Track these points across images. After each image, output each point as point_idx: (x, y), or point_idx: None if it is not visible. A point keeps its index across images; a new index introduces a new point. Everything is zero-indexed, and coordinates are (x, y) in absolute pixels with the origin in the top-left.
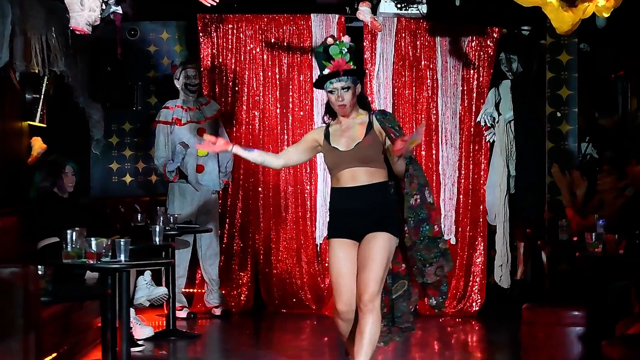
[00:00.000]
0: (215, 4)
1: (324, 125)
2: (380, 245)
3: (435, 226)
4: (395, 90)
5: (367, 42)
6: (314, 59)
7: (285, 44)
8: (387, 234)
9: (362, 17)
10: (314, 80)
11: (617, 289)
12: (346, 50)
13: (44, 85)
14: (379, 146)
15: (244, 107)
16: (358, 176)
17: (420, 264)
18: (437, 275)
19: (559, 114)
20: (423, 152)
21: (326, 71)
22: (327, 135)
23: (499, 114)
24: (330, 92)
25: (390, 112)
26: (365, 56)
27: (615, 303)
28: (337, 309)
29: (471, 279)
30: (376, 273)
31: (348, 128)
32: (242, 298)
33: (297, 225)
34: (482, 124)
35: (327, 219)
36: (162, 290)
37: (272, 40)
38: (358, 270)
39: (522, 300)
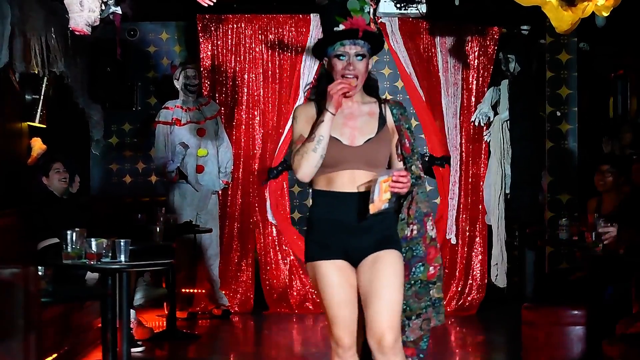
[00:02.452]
0: (212, 3)
1: (311, 101)
2: (392, 266)
3: (432, 267)
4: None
5: None
6: (321, 17)
7: (285, 43)
8: (397, 252)
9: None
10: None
11: (616, 289)
12: (368, 9)
13: (44, 85)
14: (388, 148)
15: (244, 108)
16: (359, 181)
17: (405, 316)
18: (422, 329)
19: (558, 114)
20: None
21: (340, 27)
22: (318, 118)
23: (496, 114)
24: (339, 56)
25: (404, 106)
26: None
27: (614, 303)
28: (341, 344)
29: (470, 278)
30: (394, 303)
31: (353, 115)
32: (242, 298)
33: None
34: (477, 123)
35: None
36: (162, 291)
37: (272, 40)
38: (366, 304)
39: (517, 299)
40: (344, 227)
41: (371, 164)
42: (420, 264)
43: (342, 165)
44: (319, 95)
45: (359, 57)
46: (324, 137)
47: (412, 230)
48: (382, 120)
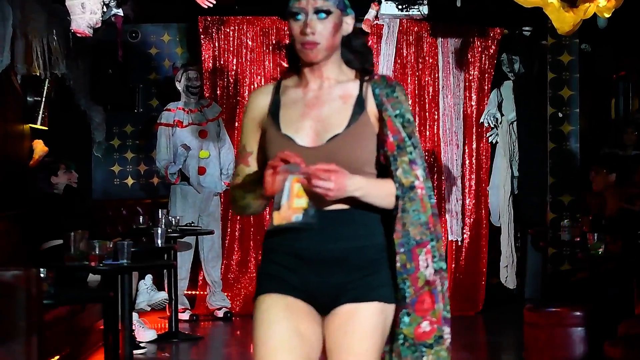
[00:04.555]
0: (212, 5)
1: (272, 83)
2: (367, 328)
3: (424, 323)
4: None
5: (372, 44)
6: None
7: (286, 45)
8: (378, 305)
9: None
10: None
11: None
12: None
13: (45, 88)
14: (371, 144)
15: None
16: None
17: None
18: None
19: (560, 115)
20: (427, 157)
21: None
22: (275, 106)
23: (502, 115)
24: (294, 15)
25: (400, 85)
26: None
27: (617, 304)
28: None
29: (474, 279)
30: None
31: (318, 100)
32: (244, 300)
33: None
34: (486, 124)
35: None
36: (163, 295)
37: (274, 42)
38: None
39: (520, 300)
40: (306, 258)
41: (343, 169)
42: (405, 311)
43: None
44: (287, 71)
45: (321, 15)
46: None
47: (396, 262)
48: (359, 105)
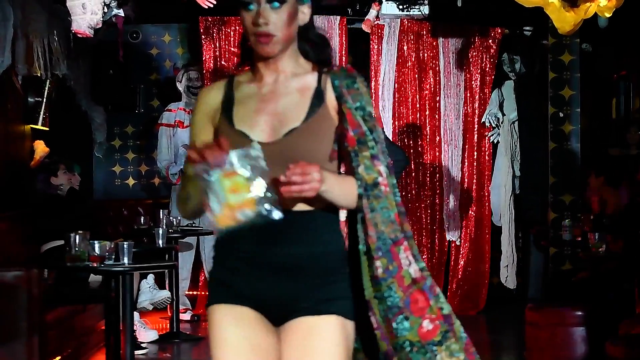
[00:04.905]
0: (212, 5)
1: (222, 81)
2: (330, 346)
3: (425, 322)
4: (398, 91)
5: (374, 44)
6: None
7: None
8: (339, 320)
9: (367, 16)
10: None
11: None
12: None
13: (46, 88)
14: (331, 138)
15: None
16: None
17: None
18: None
19: (561, 114)
20: (428, 158)
21: None
22: (227, 103)
23: (503, 115)
24: (246, 5)
25: (361, 76)
26: (372, 58)
27: (617, 303)
28: None
29: (476, 279)
30: None
31: (274, 94)
32: None
33: None
34: (487, 124)
35: None
36: (165, 293)
37: None
38: None
39: (521, 300)
40: (258, 265)
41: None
42: (402, 316)
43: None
44: (239, 67)
45: (275, 4)
46: None
47: (376, 268)
48: (317, 98)
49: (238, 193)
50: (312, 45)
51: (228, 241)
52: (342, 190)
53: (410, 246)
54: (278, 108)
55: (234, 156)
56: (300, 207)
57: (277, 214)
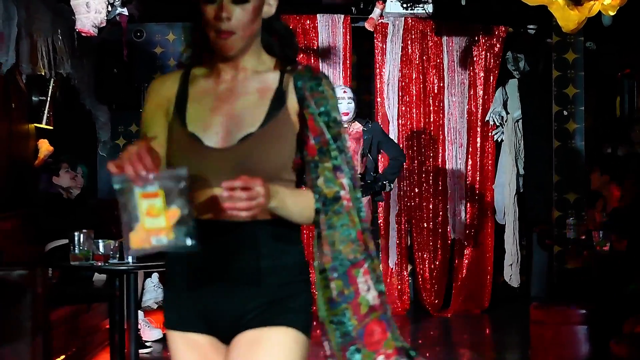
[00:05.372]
0: None
1: (179, 72)
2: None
3: (380, 356)
4: (402, 90)
5: (378, 43)
6: None
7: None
8: (290, 332)
9: (372, 14)
10: None
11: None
12: None
13: (51, 87)
14: (290, 145)
15: None
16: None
17: None
18: None
19: (565, 113)
20: (432, 156)
21: None
22: (181, 98)
23: (507, 113)
24: None
25: (327, 79)
26: (376, 57)
27: (622, 302)
28: None
29: (480, 278)
30: None
31: (232, 93)
32: None
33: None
34: (491, 123)
35: None
36: None
37: None
38: None
39: (525, 298)
40: (207, 281)
41: (257, 174)
42: (354, 347)
43: (204, 180)
44: (192, 59)
45: None
46: None
47: (331, 290)
48: (278, 100)
49: (155, 217)
50: (276, 39)
51: (176, 258)
52: (296, 206)
53: (371, 269)
54: (235, 109)
55: (156, 176)
56: (255, 216)
57: (193, 245)
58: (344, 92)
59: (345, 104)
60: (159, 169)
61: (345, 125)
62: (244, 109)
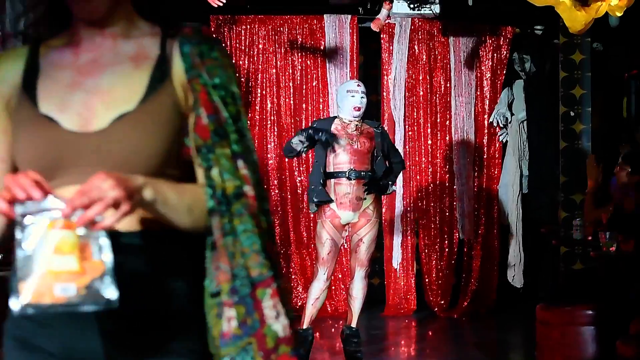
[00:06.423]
0: (221, 4)
1: (25, 46)
2: None
3: None
4: (409, 90)
5: (385, 43)
6: None
7: (298, 44)
8: None
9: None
10: (327, 81)
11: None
12: None
13: None
14: (177, 128)
15: (257, 108)
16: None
17: None
18: None
19: (572, 114)
20: (439, 157)
21: None
22: (30, 76)
23: (512, 114)
24: None
25: (221, 44)
26: (383, 57)
27: (628, 302)
28: None
29: (486, 278)
30: None
31: (97, 64)
32: None
33: (314, 225)
34: (495, 124)
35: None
36: None
37: (285, 41)
38: None
39: (532, 299)
40: (70, 315)
41: (128, 169)
42: None
43: (62, 173)
44: (40, 27)
45: None
46: None
47: (229, 320)
48: (160, 70)
49: (65, 255)
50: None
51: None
52: (180, 203)
53: (279, 290)
54: (102, 84)
55: (69, 200)
56: (129, 226)
57: (114, 300)
58: (358, 85)
59: (359, 97)
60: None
61: (357, 123)
62: (114, 83)
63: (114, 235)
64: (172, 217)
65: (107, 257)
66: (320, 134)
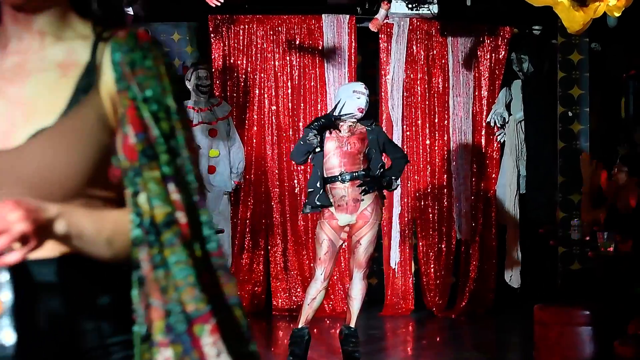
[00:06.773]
0: (219, 4)
1: None
2: None
3: None
4: (407, 90)
5: (383, 43)
6: None
7: (296, 44)
8: None
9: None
10: (325, 81)
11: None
12: None
13: None
14: (103, 146)
15: (256, 108)
16: None
17: None
18: None
19: (570, 114)
20: (437, 157)
21: None
22: None
23: (510, 114)
24: None
25: (159, 48)
26: (381, 57)
27: (626, 303)
28: None
29: (484, 278)
30: None
31: (22, 70)
32: (253, 299)
33: (312, 225)
34: (492, 124)
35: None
36: None
37: (284, 41)
38: None
39: (529, 299)
40: None
41: (44, 191)
42: None
43: None
44: None
45: None
46: None
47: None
48: (87, 79)
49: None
50: None
51: None
52: (98, 235)
53: (221, 323)
54: (25, 93)
55: None
56: (50, 252)
57: (11, 346)
58: (365, 88)
59: (364, 100)
60: None
61: (352, 123)
62: (37, 93)
63: (18, 265)
64: (89, 249)
65: (6, 296)
66: (326, 119)
